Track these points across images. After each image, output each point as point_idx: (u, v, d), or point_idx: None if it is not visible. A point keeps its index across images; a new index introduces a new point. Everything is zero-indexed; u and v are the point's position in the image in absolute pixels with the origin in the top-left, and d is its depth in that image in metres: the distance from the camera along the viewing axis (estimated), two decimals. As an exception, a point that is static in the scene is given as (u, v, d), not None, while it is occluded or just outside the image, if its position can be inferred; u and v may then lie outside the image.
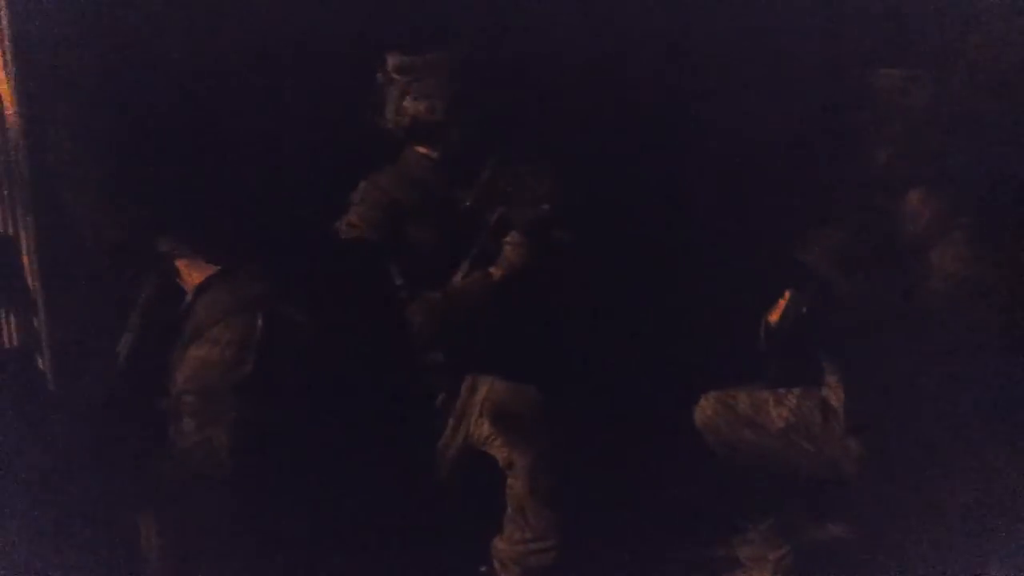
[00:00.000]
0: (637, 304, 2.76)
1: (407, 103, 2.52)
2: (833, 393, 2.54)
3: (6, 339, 2.59)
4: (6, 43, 2.37)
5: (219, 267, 2.10)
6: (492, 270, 2.53)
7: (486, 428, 2.46)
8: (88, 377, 2.31)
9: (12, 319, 2.55)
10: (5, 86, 2.46)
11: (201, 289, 2.08)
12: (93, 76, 2.38)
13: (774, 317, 2.57)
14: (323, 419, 2.05)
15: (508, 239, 2.56)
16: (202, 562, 2.05)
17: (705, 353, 2.71)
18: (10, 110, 2.46)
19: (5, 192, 2.71)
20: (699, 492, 2.65)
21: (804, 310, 2.52)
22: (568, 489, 2.46)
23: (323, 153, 2.56)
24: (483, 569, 2.56)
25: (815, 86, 2.66)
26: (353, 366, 2.15)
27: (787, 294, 2.55)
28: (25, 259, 2.49)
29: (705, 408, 2.67)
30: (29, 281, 2.45)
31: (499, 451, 2.45)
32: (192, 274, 2.10)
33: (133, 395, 2.12)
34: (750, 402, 2.63)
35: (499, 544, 2.50)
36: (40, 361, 2.51)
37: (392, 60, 2.53)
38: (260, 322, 1.98)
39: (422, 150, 2.60)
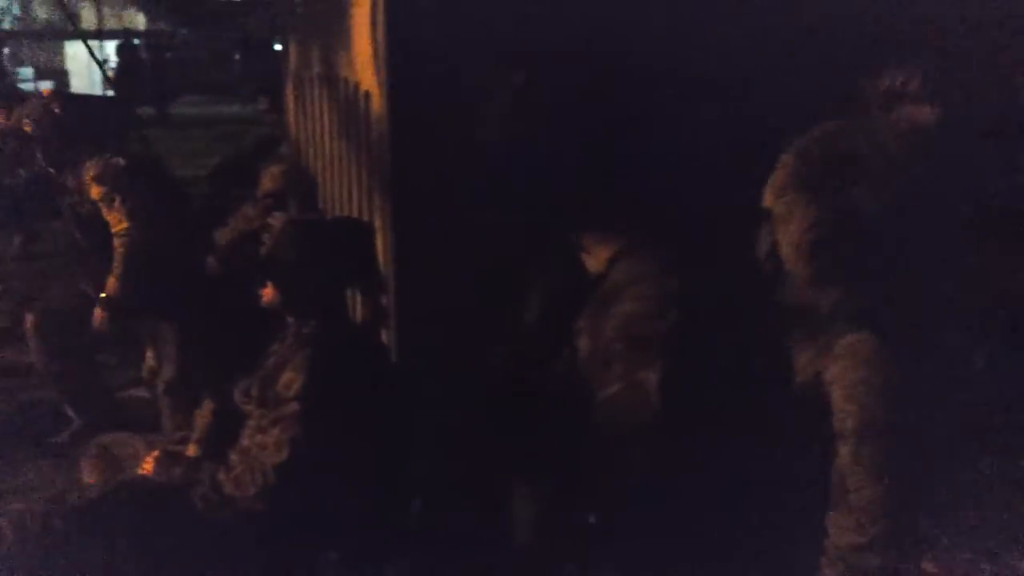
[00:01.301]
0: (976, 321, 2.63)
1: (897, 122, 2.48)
2: None
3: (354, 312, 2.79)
4: (381, 41, 2.55)
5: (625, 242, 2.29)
6: None
7: None
8: (468, 351, 2.47)
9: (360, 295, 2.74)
10: (375, 80, 2.66)
11: (616, 258, 2.30)
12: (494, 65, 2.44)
13: None
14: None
15: None
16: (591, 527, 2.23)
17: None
18: (378, 104, 2.65)
19: (365, 181, 2.94)
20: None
21: None
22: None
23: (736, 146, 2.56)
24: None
25: None
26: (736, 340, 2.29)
27: None
28: (379, 242, 2.68)
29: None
30: (381, 263, 2.63)
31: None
32: (599, 249, 2.31)
33: (537, 363, 2.33)
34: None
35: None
36: (383, 335, 2.68)
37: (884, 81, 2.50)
38: (676, 281, 2.20)
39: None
